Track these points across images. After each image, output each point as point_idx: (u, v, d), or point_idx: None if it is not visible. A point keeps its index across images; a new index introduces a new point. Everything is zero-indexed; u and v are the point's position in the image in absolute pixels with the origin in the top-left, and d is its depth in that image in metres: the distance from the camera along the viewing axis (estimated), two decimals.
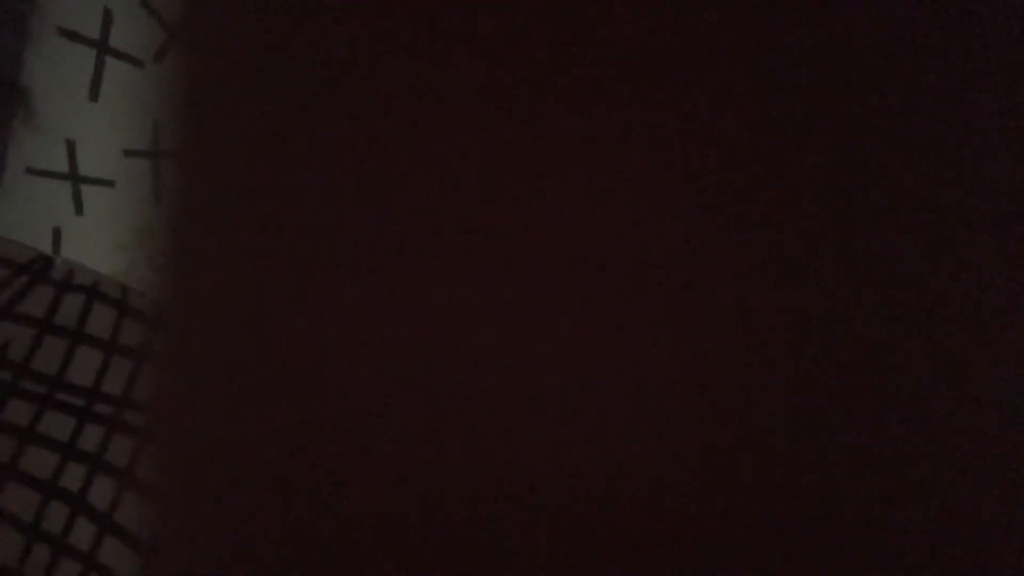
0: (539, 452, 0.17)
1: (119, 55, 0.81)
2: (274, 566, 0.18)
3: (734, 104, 0.17)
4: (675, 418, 0.17)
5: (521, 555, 0.17)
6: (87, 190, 0.82)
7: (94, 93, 0.89)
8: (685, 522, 0.17)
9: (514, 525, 0.17)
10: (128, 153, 0.83)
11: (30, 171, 0.81)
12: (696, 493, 0.17)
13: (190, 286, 0.20)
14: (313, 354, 0.18)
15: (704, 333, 0.17)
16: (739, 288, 0.17)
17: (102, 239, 0.80)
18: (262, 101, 0.19)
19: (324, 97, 0.18)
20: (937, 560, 0.17)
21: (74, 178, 0.79)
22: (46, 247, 0.80)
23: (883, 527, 0.17)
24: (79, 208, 0.80)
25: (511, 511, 0.17)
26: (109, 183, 0.85)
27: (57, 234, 0.78)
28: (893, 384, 0.17)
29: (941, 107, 0.17)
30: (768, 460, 0.17)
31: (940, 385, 0.17)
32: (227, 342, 0.19)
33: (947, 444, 0.17)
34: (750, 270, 0.17)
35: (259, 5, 0.19)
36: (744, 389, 0.17)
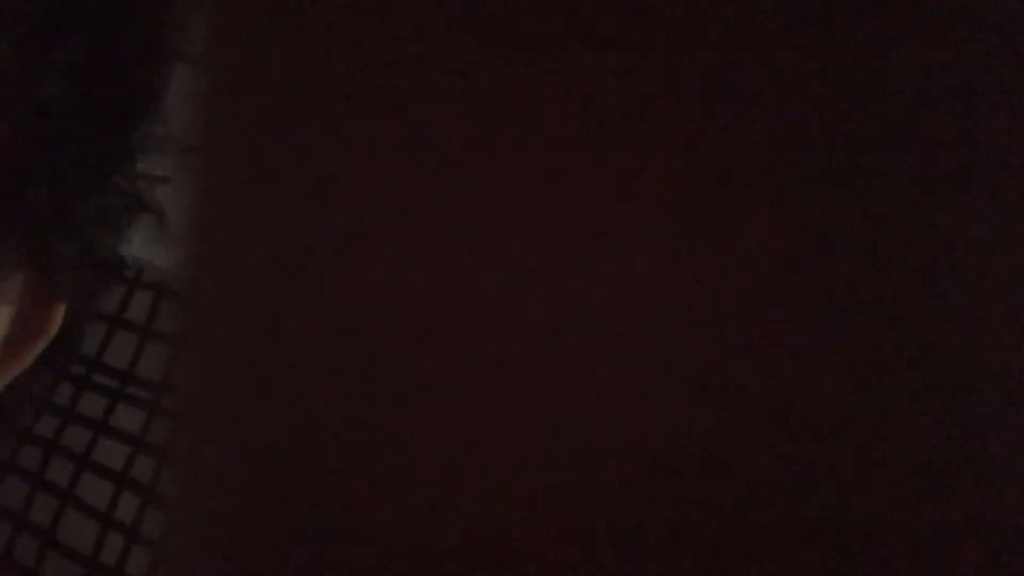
0: (546, 456, 0.17)
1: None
2: (307, 553, 0.18)
3: (748, 97, 0.17)
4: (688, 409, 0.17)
5: (539, 554, 0.17)
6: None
7: None
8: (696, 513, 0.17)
9: (530, 523, 0.17)
10: (184, 149, 0.85)
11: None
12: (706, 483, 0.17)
13: (216, 273, 0.20)
14: (339, 339, 0.18)
15: (715, 318, 0.17)
16: (754, 272, 0.17)
17: (160, 235, 0.82)
18: (288, 95, 0.19)
19: (345, 89, 0.18)
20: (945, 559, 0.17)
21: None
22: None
23: (895, 524, 0.17)
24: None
25: (526, 512, 0.17)
26: (164, 179, 0.87)
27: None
28: (916, 370, 0.17)
29: (948, 108, 0.17)
30: (781, 454, 0.17)
31: (966, 371, 0.17)
32: (252, 328, 0.19)
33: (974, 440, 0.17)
34: (767, 254, 0.17)
35: (289, 6, 0.19)
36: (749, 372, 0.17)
